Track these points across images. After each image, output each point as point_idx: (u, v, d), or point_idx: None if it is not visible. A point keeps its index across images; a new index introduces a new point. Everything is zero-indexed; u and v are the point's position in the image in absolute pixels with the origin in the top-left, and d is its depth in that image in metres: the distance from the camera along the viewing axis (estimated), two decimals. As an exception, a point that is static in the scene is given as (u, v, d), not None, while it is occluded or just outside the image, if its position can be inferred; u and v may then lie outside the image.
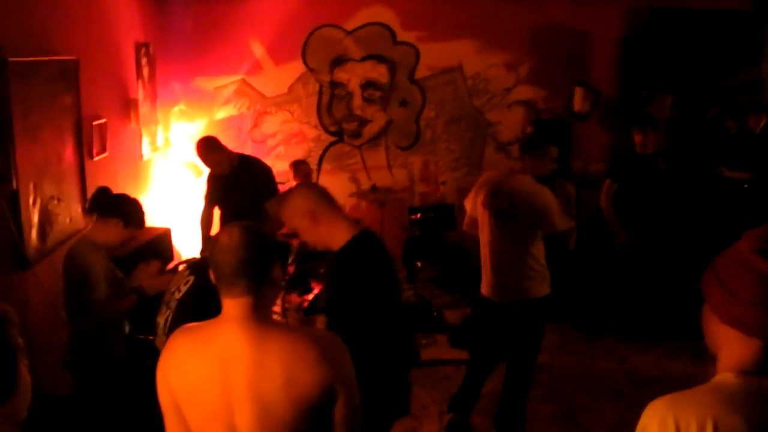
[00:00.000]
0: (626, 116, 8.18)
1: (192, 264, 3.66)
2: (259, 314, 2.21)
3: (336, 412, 2.22)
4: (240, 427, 2.15)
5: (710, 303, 1.92)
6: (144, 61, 6.93)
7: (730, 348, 1.87)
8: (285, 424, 2.15)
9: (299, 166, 7.26)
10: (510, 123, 8.50)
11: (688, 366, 6.05)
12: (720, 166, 7.75)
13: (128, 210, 4.19)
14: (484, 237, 5.06)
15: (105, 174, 5.64)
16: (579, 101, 8.61)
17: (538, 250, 4.91)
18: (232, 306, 2.20)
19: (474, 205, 5.12)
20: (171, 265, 5.88)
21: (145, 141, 6.86)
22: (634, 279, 6.82)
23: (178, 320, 3.20)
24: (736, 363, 1.84)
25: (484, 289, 5.11)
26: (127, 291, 4.24)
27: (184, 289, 3.31)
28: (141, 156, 6.79)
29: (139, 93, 6.73)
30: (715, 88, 8.53)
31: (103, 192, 4.31)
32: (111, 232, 4.17)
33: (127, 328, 4.55)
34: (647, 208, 6.75)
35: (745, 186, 7.63)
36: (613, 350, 6.68)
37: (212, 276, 2.24)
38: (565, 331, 7.05)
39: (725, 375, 1.84)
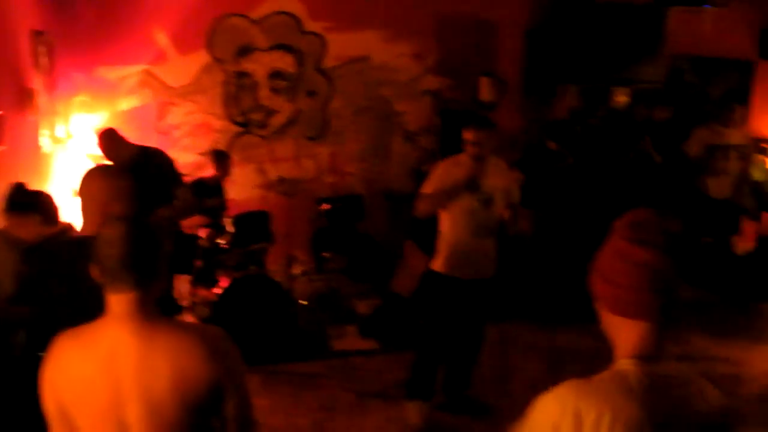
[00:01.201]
0: (532, 107, 8.35)
1: None
2: (146, 310, 2.16)
3: (226, 409, 2.21)
4: (129, 426, 2.12)
5: (596, 295, 2.00)
6: (41, 50, 6.71)
7: (622, 335, 1.94)
8: (174, 421, 2.13)
9: (221, 157, 7.16)
10: (417, 113, 8.56)
11: (597, 340, 6.20)
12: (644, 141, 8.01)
13: (46, 205, 4.14)
14: (461, 219, 5.08)
15: (2, 167, 5.47)
16: (485, 91, 8.71)
17: None
18: (118, 301, 2.14)
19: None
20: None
21: (45, 133, 6.66)
22: (540, 266, 6.97)
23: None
24: (631, 349, 1.91)
25: (457, 270, 5.12)
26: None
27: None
28: (40, 148, 6.59)
29: (37, 83, 6.52)
30: (618, 78, 8.74)
31: (19, 188, 4.25)
32: (28, 228, 4.09)
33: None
34: (554, 200, 6.90)
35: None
36: (516, 335, 6.80)
37: (96, 271, 2.17)
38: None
39: (623, 362, 1.91)
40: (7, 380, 4.08)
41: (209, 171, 7.19)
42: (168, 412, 2.12)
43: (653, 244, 1.87)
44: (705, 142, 7.94)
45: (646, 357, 1.89)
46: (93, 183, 3.14)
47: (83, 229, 3.15)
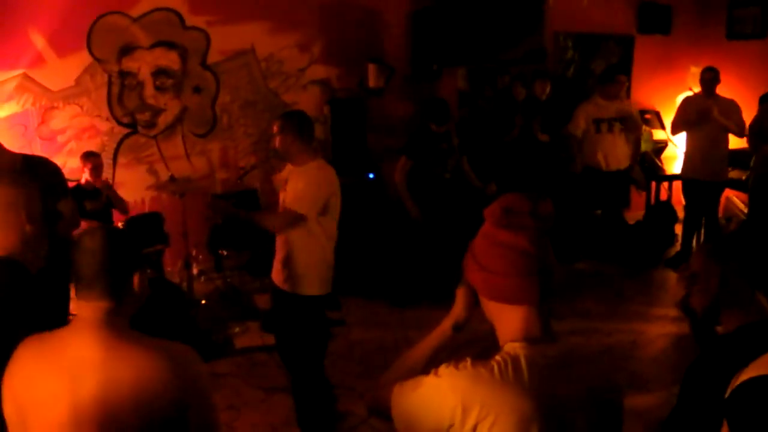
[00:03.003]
0: (419, 91, 8.44)
1: None
2: (114, 322, 2.15)
3: (189, 428, 2.18)
4: None
5: (474, 285, 2.02)
6: None
7: (505, 320, 1.97)
8: None
9: (89, 158, 6.98)
10: (306, 103, 8.53)
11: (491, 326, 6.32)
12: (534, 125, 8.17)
13: None
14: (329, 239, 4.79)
15: None
16: (373, 77, 8.74)
17: None
18: (88, 309, 2.14)
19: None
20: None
21: None
22: (436, 249, 7.06)
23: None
24: (516, 333, 1.93)
25: (316, 287, 4.78)
26: None
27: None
28: None
29: None
30: (502, 59, 8.89)
31: None
32: None
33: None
34: (442, 182, 7.00)
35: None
36: (423, 320, 6.85)
37: (72, 278, 2.17)
38: (375, 306, 7.22)
39: (512, 346, 1.92)
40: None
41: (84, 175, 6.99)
42: (127, 428, 2.08)
43: (525, 228, 1.90)
44: (590, 116, 8.16)
45: (533, 339, 1.92)
46: (5, 192, 2.93)
47: None
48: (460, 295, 2.18)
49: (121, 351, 2.10)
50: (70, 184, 6.39)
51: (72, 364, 2.07)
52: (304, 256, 4.65)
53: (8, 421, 2.22)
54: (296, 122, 4.75)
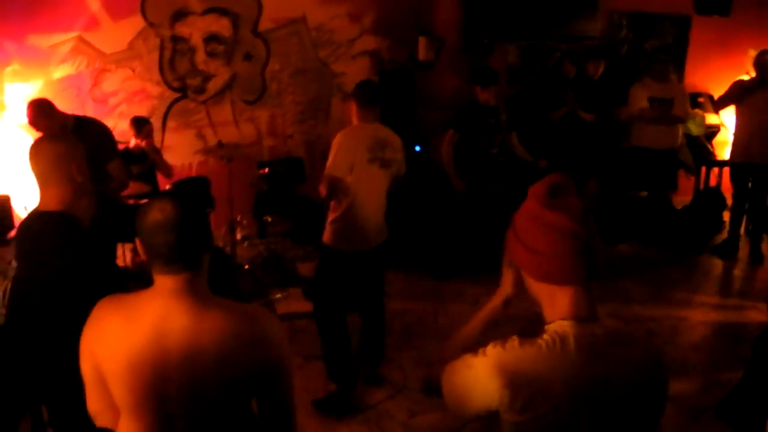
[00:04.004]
0: (470, 66, 8.37)
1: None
2: (197, 287, 2.15)
3: (267, 394, 2.23)
4: (170, 400, 2.10)
5: (520, 265, 2.02)
6: (-30, 19, 6.58)
7: (551, 300, 1.96)
8: (215, 400, 2.14)
9: (140, 124, 7.08)
10: (355, 74, 8.52)
11: (536, 305, 6.31)
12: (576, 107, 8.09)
13: None
14: (362, 192, 4.86)
15: (-68, 141, 5.38)
16: (423, 50, 8.72)
17: None
18: (169, 281, 2.11)
19: (348, 165, 4.76)
20: (11, 235, 5.69)
21: (-23, 104, 6.56)
22: (479, 224, 7.05)
23: (16, 290, 3.12)
24: (563, 312, 1.93)
25: (352, 244, 4.96)
26: None
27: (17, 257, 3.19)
28: (-28, 120, 6.50)
29: (-33, 53, 6.41)
30: (555, 35, 8.79)
31: None
32: None
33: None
34: (488, 157, 6.96)
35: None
36: (464, 294, 6.90)
37: (143, 251, 2.14)
38: (416, 278, 7.24)
39: (560, 324, 1.92)
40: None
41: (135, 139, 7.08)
42: (210, 391, 2.12)
43: (571, 209, 1.89)
44: (645, 97, 8.04)
45: (581, 318, 1.92)
46: (51, 150, 3.02)
47: (45, 202, 3.01)
48: (508, 273, 2.18)
49: (205, 317, 2.10)
50: (119, 147, 6.49)
51: (156, 329, 2.08)
52: (331, 211, 4.97)
53: (86, 378, 2.24)
54: (354, 89, 5.02)
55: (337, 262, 5.03)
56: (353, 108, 4.96)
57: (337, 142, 4.77)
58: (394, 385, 5.32)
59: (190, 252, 2.11)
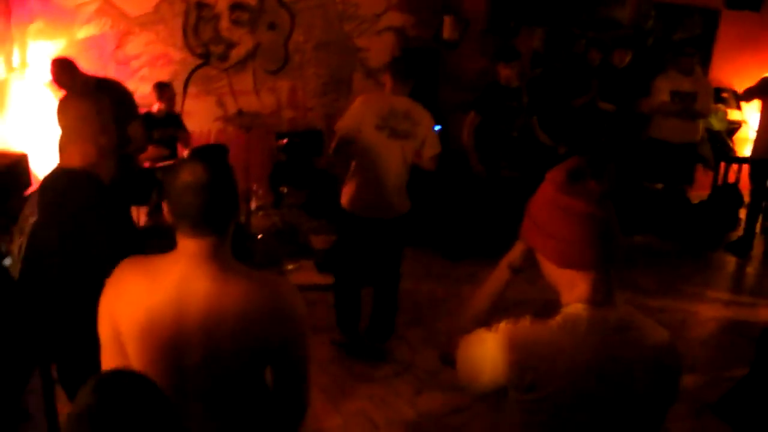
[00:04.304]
0: (494, 47, 8.32)
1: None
2: (221, 253, 2.14)
3: (285, 361, 2.23)
4: (186, 363, 2.11)
5: (537, 250, 2.01)
6: (-4, -26, 6.57)
7: (568, 284, 1.96)
8: (231, 366, 2.14)
9: (164, 89, 7.09)
10: (379, 49, 8.52)
11: (546, 291, 6.31)
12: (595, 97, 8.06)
13: None
14: (370, 158, 5.05)
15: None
16: (448, 30, 8.68)
17: None
18: (194, 245, 2.10)
19: (354, 127, 5.02)
20: (29, 192, 5.72)
21: (0, 60, 6.55)
22: (495, 206, 7.03)
23: (33, 245, 3.14)
24: (579, 296, 1.93)
25: (371, 210, 5.16)
26: None
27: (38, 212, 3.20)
28: (-5, 76, 6.51)
29: (-9, 9, 6.40)
30: (583, 22, 8.74)
31: None
32: None
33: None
34: (508, 140, 6.94)
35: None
36: (476, 275, 6.90)
37: (169, 214, 2.12)
38: (428, 257, 7.24)
39: (574, 306, 1.92)
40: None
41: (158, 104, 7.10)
42: (227, 357, 2.12)
43: (591, 194, 1.88)
44: (668, 90, 7.97)
45: (598, 302, 1.92)
46: (77, 107, 3.00)
47: (68, 159, 3.00)
48: (518, 245, 2.17)
49: (227, 283, 2.10)
50: (141, 110, 6.51)
51: (177, 291, 2.08)
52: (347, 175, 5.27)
53: (102, 338, 2.24)
54: (390, 61, 5.49)
55: (350, 226, 5.26)
56: (388, 79, 5.16)
57: (353, 104, 5.08)
58: (401, 363, 5.35)
59: (218, 216, 2.10)
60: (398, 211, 5.21)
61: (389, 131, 4.97)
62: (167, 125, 7.06)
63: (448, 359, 2.17)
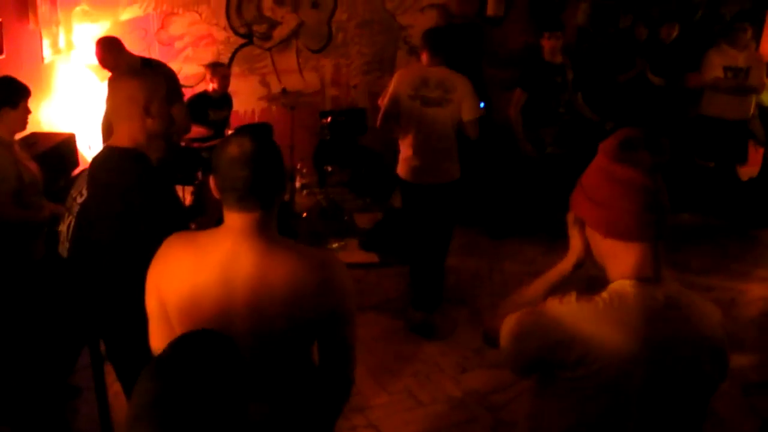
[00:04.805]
0: (538, 22, 8.22)
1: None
2: (267, 228, 2.14)
3: (332, 336, 2.24)
4: (235, 339, 2.03)
5: (587, 222, 1.98)
6: (43, -43, 6.62)
7: (617, 258, 1.93)
8: (278, 340, 2.15)
9: (217, 68, 7.09)
10: (422, 27, 8.36)
11: (590, 268, 6.26)
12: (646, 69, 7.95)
13: (6, 93, 4.14)
14: (411, 126, 5.27)
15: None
16: (492, 5, 8.60)
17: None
18: (240, 219, 2.10)
19: (394, 99, 5.26)
20: (76, 172, 5.79)
21: (46, 43, 6.62)
22: (541, 184, 6.97)
23: (81, 225, 3.17)
24: (628, 271, 1.90)
25: (420, 176, 5.36)
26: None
27: (86, 193, 3.22)
28: (42, 59, 6.55)
29: (38, -9, 6.46)
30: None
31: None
32: (7, 123, 4.15)
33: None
34: (554, 116, 6.86)
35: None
36: (520, 253, 6.88)
37: (216, 188, 2.12)
38: (473, 235, 7.22)
39: (622, 283, 1.89)
40: (25, 283, 4.18)
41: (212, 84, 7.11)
42: (274, 332, 2.12)
43: (642, 164, 1.85)
44: (721, 65, 7.80)
45: (644, 278, 1.89)
46: (127, 86, 2.97)
47: (117, 139, 2.98)
48: (576, 235, 2.13)
49: (273, 257, 2.10)
50: (192, 90, 6.55)
51: (225, 266, 2.09)
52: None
53: (150, 313, 2.26)
54: (423, 33, 5.50)
55: (408, 195, 5.51)
56: (421, 52, 5.39)
57: (394, 78, 5.37)
58: (445, 341, 5.35)
59: (264, 189, 2.09)
60: (451, 175, 5.39)
61: (421, 100, 5.18)
62: (222, 106, 7.08)
63: (491, 339, 2.16)
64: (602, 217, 1.91)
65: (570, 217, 2.11)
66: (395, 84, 5.30)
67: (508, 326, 2.02)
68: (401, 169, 5.44)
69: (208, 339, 1.69)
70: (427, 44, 5.30)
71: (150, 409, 1.49)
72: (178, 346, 1.65)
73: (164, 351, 1.64)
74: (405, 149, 5.39)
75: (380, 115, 5.35)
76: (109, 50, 5.57)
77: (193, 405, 1.50)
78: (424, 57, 5.32)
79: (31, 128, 4.85)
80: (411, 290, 5.73)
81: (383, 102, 5.38)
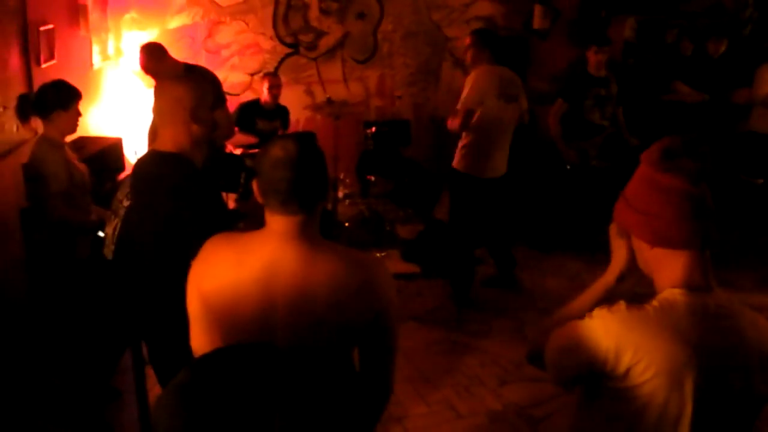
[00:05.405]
0: (584, 36, 8.16)
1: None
2: (309, 231, 2.13)
3: (373, 341, 2.22)
4: (275, 341, 2.09)
5: (633, 232, 1.96)
6: (94, -34, 6.71)
7: (665, 268, 1.91)
8: (320, 343, 2.13)
9: (265, 78, 7.13)
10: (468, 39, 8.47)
11: (637, 285, 6.18)
12: (676, 82, 7.84)
13: (59, 95, 4.22)
14: (492, 123, 5.60)
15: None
16: (538, 19, 8.58)
17: None
18: (283, 222, 2.10)
19: (478, 100, 5.50)
20: (122, 176, 5.85)
21: (96, 49, 6.71)
22: (585, 197, 6.91)
23: (126, 228, 3.19)
24: (676, 280, 1.88)
25: (489, 171, 5.72)
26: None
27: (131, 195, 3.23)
28: (91, 65, 6.64)
29: (89, -1, 6.56)
30: (676, 11, 8.52)
31: (27, 97, 4.38)
32: (59, 124, 4.24)
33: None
34: (597, 129, 6.80)
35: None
36: (563, 267, 6.82)
37: (258, 192, 2.12)
38: (517, 249, 7.16)
39: (673, 291, 1.87)
40: (69, 283, 4.24)
41: (262, 93, 7.15)
42: (316, 336, 2.11)
43: (685, 171, 1.83)
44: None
45: (694, 287, 1.87)
46: (171, 91, 2.99)
47: (161, 143, 3.00)
48: (620, 247, 2.10)
49: (315, 261, 2.09)
50: (242, 99, 6.61)
51: (267, 268, 2.08)
52: (462, 139, 5.77)
53: (191, 314, 2.25)
54: (482, 35, 5.84)
55: (466, 187, 5.77)
56: (478, 52, 5.67)
57: (471, 79, 5.57)
58: (486, 353, 5.31)
59: (307, 192, 2.08)
60: (505, 169, 5.84)
61: (506, 97, 5.58)
62: (273, 117, 7.12)
63: (536, 357, 2.14)
64: (648, 226, 1.89)
65: (613, 229, 2.10)
66: (479, 84, 5.52)
67: (555, 341, 2.01)
68: (467, 164, 5.69)
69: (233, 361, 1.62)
70: (489, 44, 5.66)
71: None
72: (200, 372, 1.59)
73: (185, 376, 1.58)
74: (477, 145, 5.64)
75: (461, 117, 5.52)
76: (151, 56, 5.62)
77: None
78: (485, 56, 5.63)
79: (79, 132, 4.91)
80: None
81: (466, 102, 5.52)
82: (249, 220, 3.75)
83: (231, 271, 2.11)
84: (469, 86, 5.54)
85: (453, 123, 5.59)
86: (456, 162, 5.77)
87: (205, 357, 1.60)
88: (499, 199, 5.90)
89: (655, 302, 1.87)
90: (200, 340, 2.25)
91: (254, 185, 2.13)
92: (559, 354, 1.99)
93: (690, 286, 1.86)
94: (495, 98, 5.53)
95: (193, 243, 2.31)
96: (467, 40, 5.79)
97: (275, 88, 7.08)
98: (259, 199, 2.13)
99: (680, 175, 1.83)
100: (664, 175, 1.85)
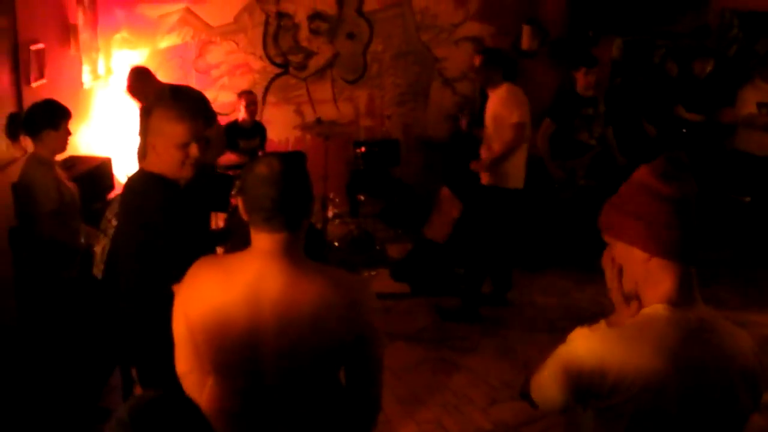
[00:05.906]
0: (573, 56, 8.22)
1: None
2: (294, 250, 2.14)
3: (359, 360, 2.23)
4: (260, 363, 2.12)
5: (627, 239, 1.94)
6: (84, -15, 6.73)
7: (653, 281, 1.91)
8: (305, 363, 2.14)
9: (241, 97, 7.18)
10: (457, 59, 8.54)
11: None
12: (677, 106, 7.90)
13: (48, 114, 4.24)
14: (526, 137, 5.98)
15: (43, 101, 5.52)
16: (527, 40, 8.65)
17: None
18: (268, 240, 2.11)
19: (526, 112, 5.92)
20: (112, 195, 5.85)
21: (86, 69, 6.71)
22: (573, 216, 6.94)
23: (115, 248, 3.19)
24: (661, 295, 1.89)
25: (521, 181, 6.05)
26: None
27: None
28: (81, 84, 6.64)
29: (80, 18, 6.56)
30: (662, 32, 8.58)
31: (17, 116, 4.39)
32: (49, 143, 4.25)
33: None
34: (585, 148, 6.83)
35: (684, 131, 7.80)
36: (552, 285, 6.84)
37: (243, 209, 2.14)
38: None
39: (656, 307, 1.88)
40: (58, 301, 4.23)
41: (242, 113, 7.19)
42: (301, 355, 2.12)
43: (686, 183, 1.86)
44: (755, 101, 7.73)
45: (678, 302, 1.88)
46: (161, 114, 2.92)
47: (151, 163, 2.93)
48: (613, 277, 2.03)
49: (300, 280, 2.10)
50: (228, 119, 6.62)
51: (251, 289, 2.09)
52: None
53: (176, 337, 2.26)
54: (497, 56, 6.17)
55: (505, 200, 5.99)
56: (493, 72, 5.96)
57: (504, 98, 5.90)
58: (475, 372, 5.31)
59: (291, 209, 2.09)
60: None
61: (530, 111, 5.94)
62: (253, 135, 7.15)
63: (527, 395, 2.16)
64: (642, 231, 1.89)
65: (606, 257, 2.06)
66: (519, 98, 5.91)
67: (540, 370, 2.03)
68: (497, 177, 5.93)
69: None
70: (501, 63, 5.99)
71: None
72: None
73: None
74: (515, 159, 5.91)
75: (515, 132, 5.81)
76: (138, 79, 5.65)
77: None
78: (500, 74, 5.93)
79: (69, 151, 4.93)
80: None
81: (520, 119, 5.83)
82: (234, 241, 3.76)
83: (217, 294, 2.12)
84: (510, 104, 5.83)
85: (505, 143, 5.83)
86: (490, 178, 5.97)
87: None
88: (521, 209, 6.21)
89: (638, 318, 1.88)
90: (185, 364, 2.27)
91: (239, 203, 2.15)
92: (545, 384, 2.00)
93: (674, 301, 1.87)
94: (528, 113, 5.90)
95: (171, 262, 2.31)
96: (476, 60, 6.01)
97: (252, 105, 7.16)
98: (245, 217, 2.15)
99: (684, 187, 1.86)
100: (666, 183, 1.86)
